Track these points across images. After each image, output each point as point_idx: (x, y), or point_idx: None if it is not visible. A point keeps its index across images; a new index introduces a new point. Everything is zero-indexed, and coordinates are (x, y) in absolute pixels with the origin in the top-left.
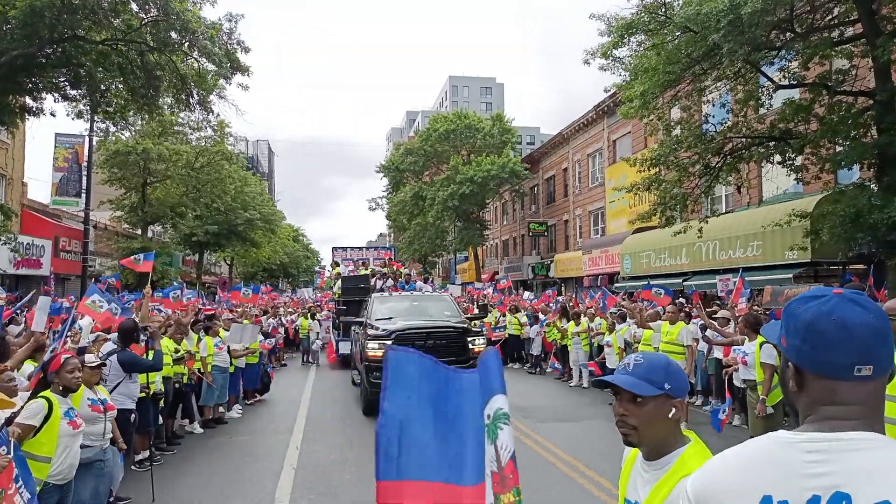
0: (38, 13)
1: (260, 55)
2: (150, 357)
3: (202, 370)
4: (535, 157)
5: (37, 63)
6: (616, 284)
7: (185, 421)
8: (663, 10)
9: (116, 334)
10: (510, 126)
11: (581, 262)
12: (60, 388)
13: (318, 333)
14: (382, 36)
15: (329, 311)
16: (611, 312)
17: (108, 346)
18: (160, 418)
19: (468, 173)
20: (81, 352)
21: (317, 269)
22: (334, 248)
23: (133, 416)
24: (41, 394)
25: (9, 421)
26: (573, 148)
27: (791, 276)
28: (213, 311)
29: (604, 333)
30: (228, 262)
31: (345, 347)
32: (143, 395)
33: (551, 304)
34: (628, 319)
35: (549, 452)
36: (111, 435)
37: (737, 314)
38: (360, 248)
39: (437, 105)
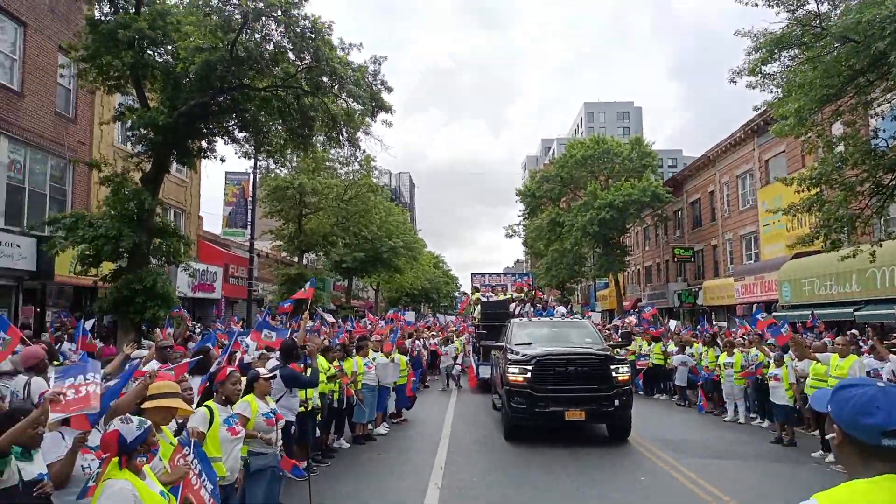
0: (213, 66)
1: (400, 92)
2: (308, 374)
3: (354, 388)
4: (678, 181)
5: (210, 111)
6: (774, 313)
7: (335, 435)
8: (818, 21)
9: (279, 352)
10: (650, 149)
11: (733, 289)
12: (223, 397)
13: (454, 358)
14: (516, 68)
15: (469, 334)
16: (767, 343)
17: (272, 363)
18: (317, 431)
19: (607, 198)
20: (247, 367)
21: (455, 294)
22: (473, 274)
23: (293, 428)
24: (205, 403)
25: (180, 427)
26: (720, 170)
27: None
28: (363, 332)
29: (765, 365)
30: (375, 288)
31: (485, 372)
32: (303, 409)
33: (699, 335)
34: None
35: (702, 490)
36: (281, 442)
37: None
38: (498, 274)
39: (572, 132)
